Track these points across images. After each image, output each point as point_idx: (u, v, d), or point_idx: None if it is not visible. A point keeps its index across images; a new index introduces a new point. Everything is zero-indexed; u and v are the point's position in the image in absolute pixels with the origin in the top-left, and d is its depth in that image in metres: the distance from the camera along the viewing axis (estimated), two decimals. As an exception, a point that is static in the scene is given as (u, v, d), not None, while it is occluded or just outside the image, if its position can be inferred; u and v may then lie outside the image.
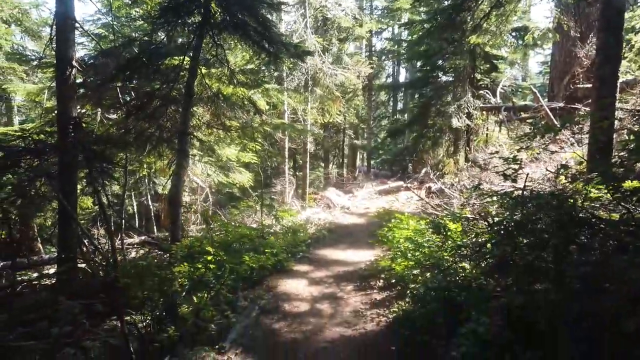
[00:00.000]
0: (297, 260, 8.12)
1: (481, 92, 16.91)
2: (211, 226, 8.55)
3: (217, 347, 4.57)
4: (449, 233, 5.96)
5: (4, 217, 9.88)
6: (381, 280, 6.70)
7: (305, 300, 6.24)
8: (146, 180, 12.63)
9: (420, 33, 17.13)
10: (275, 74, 14.31)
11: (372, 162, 26.31)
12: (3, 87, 11.81)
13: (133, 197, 13.85)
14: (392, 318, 5.29)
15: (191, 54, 6.21)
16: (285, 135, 14.34)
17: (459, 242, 5.49)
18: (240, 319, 5.31)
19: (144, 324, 4.86)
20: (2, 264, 9.18)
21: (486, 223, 5.72)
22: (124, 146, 6.00)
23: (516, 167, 4.34)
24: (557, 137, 8.52)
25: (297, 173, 18.87)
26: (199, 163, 10.12)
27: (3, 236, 11.11)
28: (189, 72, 6.08)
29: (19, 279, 7.89)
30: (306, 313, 5.80)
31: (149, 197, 13.75)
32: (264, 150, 13.67)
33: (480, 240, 5.56)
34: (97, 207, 12.73)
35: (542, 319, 3.57)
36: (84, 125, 5.20)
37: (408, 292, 5.46)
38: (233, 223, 9.23)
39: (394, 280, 6.29)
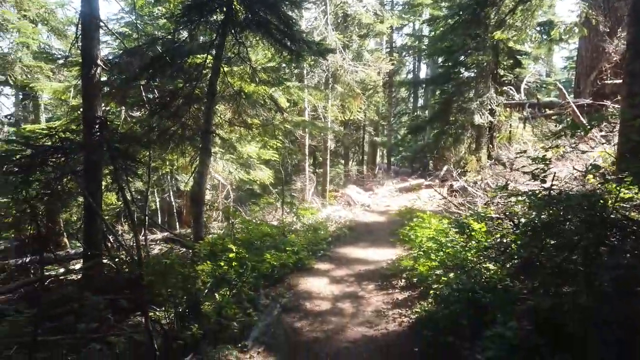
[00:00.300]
0: (318, 258, 8.11)
1: (504, 88, 16.62)
2: (233, 223, 8.60)
3: (239, 345, 4.59)
4: (473, 233, 5.88)
5: (32, 212, 10.12)
6: (403, 280, 6.64)
7: (327, 299, 6.23)
8: (168, 177, 12.78)
9: (443, 29, 16.89)
10: (296, 71, 14.30)
11: (392, 159, 26.14)
12: (31, 85, 12.07)
13: (156, 194, 14.03)
14: (415, 318, 5.24)
15: (214, 53, 6.24)
16: (306, 132, 14.32)
17: (484, 243, 5.40)
18: (262, 317, 5.33)
19: (167, 320, 4.92)
20: (30, 258, 9.42)
21: (511, 223, 5.62)
22: (148, 144, 6.06)
23: (545, 166, 4.24)
24: (586, 135, 8.30)
25: (317, 170, 18.85)
26: (220, 160, 10.18)
27: (31, 231, 11.40)
28: (212, 71, 6.10)
29: (47, 273, 8.06)
30: (327, 312, 5.79)
31: (171, 193, 13.92)
32: (284, 147, 13.70)
33: (505, 240, 5.47)
34: (121, 203, 12.96)
35: (570, 322, 3.49)
36: (109, 123, 5.27)
37: (431, 292, 5.39)
38: (254, 220, 9.27)
39: (416, 280, 6.22)
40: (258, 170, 11.44)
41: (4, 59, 12.37)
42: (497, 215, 6.88)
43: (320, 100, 13.65)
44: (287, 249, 7.51)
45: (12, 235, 12.32)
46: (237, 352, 4.48)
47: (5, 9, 12.26)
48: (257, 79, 7.28)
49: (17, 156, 5.30)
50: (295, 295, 6.39)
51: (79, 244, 12.12)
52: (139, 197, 11.84)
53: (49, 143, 7.19)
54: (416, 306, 5.53)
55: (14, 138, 11.91)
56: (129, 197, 6.42)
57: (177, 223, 14.12)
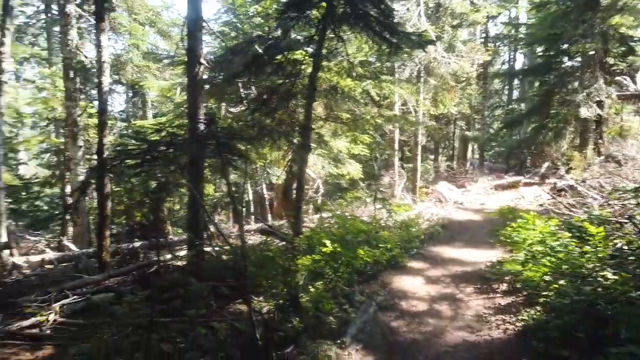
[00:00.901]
0: (412, 256, 7.91)
1: (616, 78, 15.08)
2: (325, 218, 8.68)
3: (338, 341, 4.58)
4: (588, 237, 5.37)
5: (143, 202, 10.97)
6: (504, 284, 6.27)
7: (423, 300, 6.06)
8: (261, 170, 13.21)
9: (551, 15, 15.65)
10: (387, 64, 14.04)
11: (484, 154, 24.92)
12: (140, 84, 13.09)
13: (249, 186, 14.58)
14: (521, 327, 4.91)
15: (313, 48, 6.28)
16: (396, 127, 14.06)
17: (603, 249, 4.91)
18: (358, 314, 5.29)
19: (266, 311, 5.05)
20: (140, 243, 10.22)
21: (637, 228, 5.07)
22: (250, 140, 6.26)
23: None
24: None
25: (404, 165, 18.48)
26: (312, 155, 10.31)
27: (140, 219, 12.38)
28: (312, 66, 6.14)
29: (155, 259, 8.68)
30: (424, 313, 5.63)
31: (263, 186, 14.39)
32: (375, 142, 13.55)
33: (627, 248, 4.95)
34: (219, 194, 13.68)
35: None
36: (217, 120, 5.52)
37: (540, 299, 5.02)
38: (346, 215, 9.25)
39: (519, 285, 5.84)
40: (348, 165, 11.45)
41: (118, 59, 13.50)
42: (615, 218, 6.25)
43: (411, 94, 13.29)
44: (380, 245, 7.40)
45: (124, 221, 13.49)
46: (335, 348, 4.48)
47: (118, 14, 13.36)
48: (354, 74, 7.24)
49: (136, 150, 5.68)
50: (390, 293, 6.28)
51: (179, 231, 13.00)
52: (233, 189, 12.39)
53: (157, 137, 7.71)
54: (522, 313, 5.19)
55: (127, 132, 13.02)
56: (224, 189, 6.69)
57: (269, 215, 14.57)
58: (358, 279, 6.53)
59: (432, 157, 23.17)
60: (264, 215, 14.60)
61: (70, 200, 12.79)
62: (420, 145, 15.39)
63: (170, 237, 11.91)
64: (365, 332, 4.99)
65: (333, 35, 6.49)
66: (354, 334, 4.83)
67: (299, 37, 7.77)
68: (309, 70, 6.87)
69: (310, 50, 7.00)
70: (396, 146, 14.96)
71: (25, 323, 5.24)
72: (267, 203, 14.86)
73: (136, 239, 11.21)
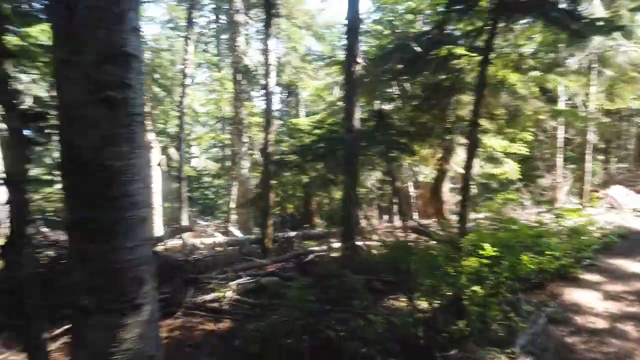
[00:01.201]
0: (584, 267, 7.10)
1: None
2: (480, 219, 8.26)
3: (507, 350, 4.32)
4: None
5: (292, 195, 11.66)
6: None
7: (601, 317, 5.39)
8: (410, 167, 13.08)
9: None
10: (551, 55, 12.82)
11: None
12: (297, 84, 13.95)
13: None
14: None
15: (482, 41, 5.96)
16: (560, 123, 12.74)
17: None
18: (527, 324, 4.92)
19: (424, 308, 4.97)
20: (295, 233, 10.89)
21: None
22: (415, 138, 6.23)
23: None
24: None
25: (566, 166, 16.68)
26: (464, 154, 9.89)
27: (292, 210, 13.22)
28: (482, 61, 5.83)
29: (309, 248, 9.16)
30: (605, 332, 5.00)
31: (410, 183, 14.24)
32: (536, 140, 12.48)
33: None
34: (363, 190, 13.90)
35: None
36: (388, 117, 5.61)
37: None
38: (509, 219, 8.66)
39: None
40: (504, 164, 10.74)
41: (278, 62, 14.57)
42: None
43: (581, 87, 11.90)
44: (547, 252, 6.76)
45: (278, 212, 14.55)
46: (504, 358, 4.23)
47: (280, 20, 14.37)
48: (522, 66, 6.72)
49: (308, 146, 6.04)
50: (561, 306, 5.72)
51: (324, 224, 13.54)
52: (377, 185, 12.49)
53: (317, 134, 8.12)
54: None
55: (286, 130, 13.95)
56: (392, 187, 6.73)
57: (416, 214, 14.38)
58: (521, 287, 6.07)
59: (600, 157, 20.48)
60: (409, 213, 14.46)
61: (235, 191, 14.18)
62: (590, 144, 13.69)
63: (321, 229, 12.50)
64: (535, 345, 4.61)
65: (502, 26, 6.08)
66: (524, 345, 4.50)
67: (456, 32, 7.48)
68: (470, 65, 6.57)
69: (469, 44, 6.68)
70: (560, 144, 13.54)
71: (207, 297, 5.97)
72: (412, 201, 14.68)
73: (288, 229, 12.00)
